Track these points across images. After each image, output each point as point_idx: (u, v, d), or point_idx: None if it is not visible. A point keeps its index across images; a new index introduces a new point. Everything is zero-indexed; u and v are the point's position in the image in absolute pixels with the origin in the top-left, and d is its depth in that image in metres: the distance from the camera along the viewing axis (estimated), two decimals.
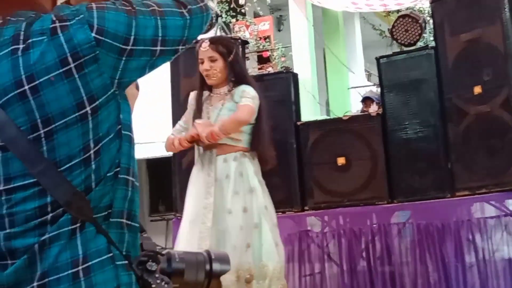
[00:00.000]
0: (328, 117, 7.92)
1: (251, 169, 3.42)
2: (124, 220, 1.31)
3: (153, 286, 1.25)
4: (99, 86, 1.25)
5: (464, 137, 4.09)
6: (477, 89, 4.03)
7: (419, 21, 4.33)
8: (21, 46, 1.25)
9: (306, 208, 4.53)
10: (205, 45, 3.47)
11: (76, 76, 1.24)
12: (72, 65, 1.23)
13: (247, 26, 8.89)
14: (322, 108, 10.62)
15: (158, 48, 1.31)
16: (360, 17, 12.34)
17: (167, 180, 12.68)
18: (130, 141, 1.33)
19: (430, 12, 4.38)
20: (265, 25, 9.65)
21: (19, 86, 1.23)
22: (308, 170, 4.54)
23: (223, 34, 5.51)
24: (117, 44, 1.26)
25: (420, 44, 4.46)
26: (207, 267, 1.36)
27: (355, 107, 10.58)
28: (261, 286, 3.26)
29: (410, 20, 4.31)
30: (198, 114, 3.48)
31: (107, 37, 1.26)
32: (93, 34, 1.25)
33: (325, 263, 4.45)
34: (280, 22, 12.05)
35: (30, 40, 1.25)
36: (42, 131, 1.23)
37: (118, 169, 1.29)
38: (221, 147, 3.41)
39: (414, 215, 4.23)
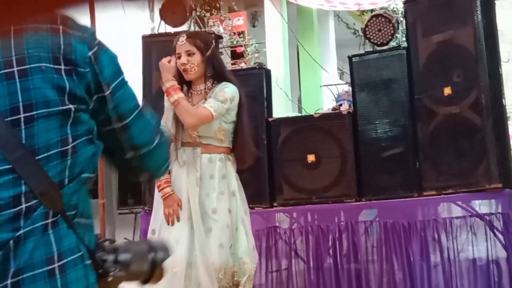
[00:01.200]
0: (300, 114, 7.92)
1: (233, 173, 3.40)
2: (83, 220, 1.30)
3: (111, 273, 1.25)
4: (83, 94, 1.28)
5: (433, 138, 4.13)
6: (447, 90, 4.06)
7: (392, 21, 4.35)
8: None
9: (275, 204, 4.54)
10: (182, 39, 3.42)
11: (64, 76, 1.25)
12: (62, 67, 1.25)
13: (222, 21, 8.85)
14: (294, 105, 10.64)
15: (119, 123, 1.36)
16: (334, 16, 12.37)
17: None
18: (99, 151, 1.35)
19: (403, 13, 4.40)
20: (240, 20, 9.62)
21: (8, 67, 1.22)
22: (278, 166, 4.55)
23: (197, 28, 5.49)
24: (100, 80, 1.31)
25: (392, 44, 4.47)
26: (151, 256, 1.37)
27: (327, 105, 10.61)
28: (238, 281, 3.27)
29: (383, 20, 4.33)
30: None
31: (98, 65, 1.30)
32: (90, 53, 1.27)
33: (292, 260, 4.46)
34: (255, 18, 12.02)
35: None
36: (22, 115, 1.22)
37: (90, 175, 1.30)
38: (206, 147, 3.35)
39: (381, 214, 4.26)
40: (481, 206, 4.00)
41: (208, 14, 8.48)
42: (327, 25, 12.08)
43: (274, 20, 9.55)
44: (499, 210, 3.94)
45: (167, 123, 3.44)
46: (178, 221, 3.30)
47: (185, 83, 3.46)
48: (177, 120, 3.38)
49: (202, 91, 3.42)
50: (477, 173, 3.98)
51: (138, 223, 13.40)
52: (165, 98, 3.48)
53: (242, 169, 3.55)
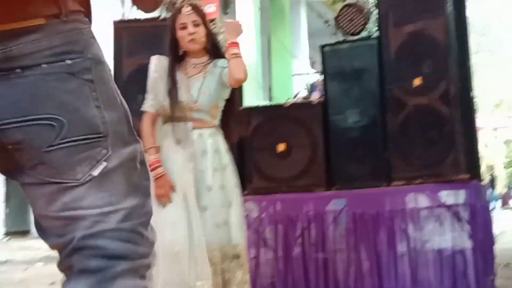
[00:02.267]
0: (271, 103, 7.93)
1: (225, 146, 3.37)
2: None
3: None
4: None
5: (403, 128, 4.15)
6: (417, 81, 4.08)
7: (364, 11, 4.36)
8: None
9: (245, 192, 4.52)
10: (188, 8, 3.36)
11: None
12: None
13: None
14: (265, 94, 10.63)
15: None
16: (306, 4, 12.39)
17: None
18: None
19: (376, 3, 4.41)
20: (212, 7, 9.55)
21: None
22: (248, 155, 4.54)
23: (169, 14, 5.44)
24: None
25: (364, 34, 4.48)
26: None
27: (300, 94, 10.64)
28: (235, 265, 3.24)
29: (355, 10, 4.34)
30: (172, 83, 3.32)
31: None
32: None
33: (260, 249, 4.46)
34: (227, 5, 11.97)
35: None
36: None
37: None
38: (197, 121, 3.30)
39: (350, 203, 4.27)
40: (448, 196, 4.03)
41: (179, 1, 8.44)
42: (299, 14, 12.09)
43: (246, 8, 9.52)
44: (466, 201, 3.97)
45: (157, 95, 3.38)
46: (170, 202, 3.24)
47: (179, 56, 3.41)
48: (170, 92, 3.33)
49: (199, 65, 3.38)
50: (445, 164, 4.01)
51: None
52: (153, 68, 3.42)
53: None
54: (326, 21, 12.54)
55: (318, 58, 13.33)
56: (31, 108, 1.23)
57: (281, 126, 4.50)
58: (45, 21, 1.24)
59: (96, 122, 1.27)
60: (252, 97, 7.76)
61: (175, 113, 3.31)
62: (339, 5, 8.39)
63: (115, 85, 1.36)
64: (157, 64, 3.43)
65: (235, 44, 3.25)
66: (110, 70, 1.37)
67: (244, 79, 3.27)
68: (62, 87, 1.24)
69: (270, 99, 10.41)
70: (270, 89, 11.05)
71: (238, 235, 3.29)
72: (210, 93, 3.33)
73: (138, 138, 1.38)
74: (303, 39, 12.15)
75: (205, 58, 3.40)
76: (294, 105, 4.58)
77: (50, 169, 1.26)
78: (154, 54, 4.02)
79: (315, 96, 4.77)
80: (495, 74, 24.72)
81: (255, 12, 9.65)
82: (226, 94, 3.41)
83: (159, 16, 5.06)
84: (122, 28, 4.75)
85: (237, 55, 3.22)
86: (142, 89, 3.53)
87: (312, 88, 5.14)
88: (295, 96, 5.98)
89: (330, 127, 4.38)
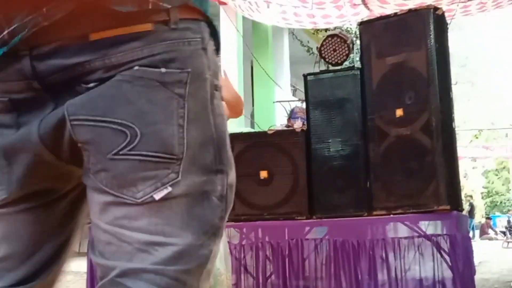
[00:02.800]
0: (253, 130, 7.95)
1: None
2: None
3: None
4: None
5: (384, 158, 4.18)
6: (399, 112, 4.12)
7: (347, 42, 4.41)
8: None
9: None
10: None
11: None
12: None
13: None
14: (247, 120, 10.66)
15: None
16: (289, 33, 12.49)
17: None
18: None
19: (358, 34, 4.46)
20: None
21: None
22: None
23: None
24: None
25: (346, 64, 4.53)
26: None
27: (279, 121, 10.68)
28: None
29: (338, 40, 4.39)
30: None
31: None
32: None
33: (241, 275, 4.45)
34: None
35: None
36: None
37: None
38: None
39: (331, 232, 4.29)
40: (429, 226, 4.06)
41: None
42: (281, 42, 12.20)
43: (229, 34, 9.59)
44: (446, 232, 4.00)
45: None
46: None
47: None
48: None
49: None
50: (426, 195, 4.04)
51: (86, 233, 13.27)
52: None
53: None
54: (309, 49, 12.67)
55: (300, 86, 13.42)
56: (108, 109, 1.13)
57: (264, 153, 4.52)
58: (152, 27, 1.15)
59: (172, 141, 1.15)
60: (234, 124, 7.78)
61: None
62: (322, 34, 8.46)
63: (218, 107, 1.24)
64: None
65: None
66: (217, 89, 1.24)
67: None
68: (147, 96, 1.14)
69: (252, 126, 10.43)
70: (251, 116, 11.09)
71: (220, 266, 3.28)
72: None
73: (228, 169, 1.24)
74: (285, 66, 12.25)
75: None
76: (277, 133, 4.60)
77: (111, 179, 1.15)
78: None
79: (298, 124, 4.80)
80: (474, 105, 25.03)
81: (238, 38, 9.73)
82: None
83: None
84: None
85: None
86: None
87: (291, 114, 5.16)
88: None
89: (312, 155, 4.41)
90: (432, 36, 4.08)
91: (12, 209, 1.26)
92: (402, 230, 4.12)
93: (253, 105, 11.57)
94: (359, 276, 4.16)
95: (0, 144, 1.21)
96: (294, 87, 13.20)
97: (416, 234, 4.10)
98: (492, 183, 30.54)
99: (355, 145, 4.31)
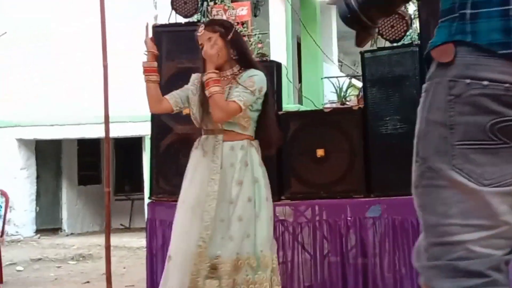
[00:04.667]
0: (302, 107, 7.93)
1: (257, 159, 3.38)
2: None
3: None
4: None
5: None
6: None
7: (406, 18, 4.35)
8: None
9: (282, 198, 4.54)
10: (201, 29, 3.43)
11: None
12: None
13: (225, 10, 8.82)
14: (295, 96, 10.65)
15: None
16: (336, 8, 12.39)
17: (134, 160, 12.72)
18: None
19: (417, 10, 4.40)
20: (243, 10, 9.60)
21: None
22: (286, 160, 4.55)
23: (206, 19, 5.48)
24: None
25: (405, 41, 4.47)
26: None
27: (327, 97, 10.64)
28: (261, 276, 3.25)
29: (396, 16, 4.32)
30: (203, 96, 3.38)
31: None
32: None
33: (298, 253, 4.48)
34: (257, 8, 12.02)
35: None
36: None
37: None
38: (228, 134, 3.36)
39: (389, 210, 4.27)
40: None
41: (211, 3, 8.47)
42: (329, 17, 12.10)
43: (278, 10, 9.55)
44: None
45: (192, 107, 3.46)
46: None
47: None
48: (202, 105, 3.39)
49: (229, 77, 3.43)
50: None
51: (135, 209, 13.45)
52: (190, 82, 3.51)
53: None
54: None
55: (347, 61, 13.32)
56: None
57: (320, 131, 4.50)
58: None
59: None
60: (283, 100, 7.78)
61: (207, 126, 3.39)
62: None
63: None
64: (194, 79, 3.54)
65: (209, 82, 3.26)
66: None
67: (225, 117, 3.29)
68: None
69: (301, 101, 10.40)
70: (300, 91, 11.07)
71: (265, 248, 3.30)
72: None
73: None
74: (334, 42, 12.16)
75: (232, 69, 3.44)
76: (334, 111, 4.58)
77: None
78: (193, 59, 4.10)
79: (353, 102, 4.77)
80: None
81: (287, 15, 9.68)
82: (255, 105, 3.40)
83: (198, 20, 5.11)
84: (161, 32, 4.79)
85: (209, 95, 3.25)
86: None
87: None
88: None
89: (370, 133, 4.38)
90: None
91: None
92: None
93: (300, 81, 11.53)
94: None
95: None
96: (341, 62, 13.11)
97: None
98: None
99: (414, 123, 4.20)
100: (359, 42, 1.80)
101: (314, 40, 8.47)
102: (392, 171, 4.28)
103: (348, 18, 1.69)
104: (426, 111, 1.47)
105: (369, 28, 1.73)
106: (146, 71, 3.45)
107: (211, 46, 3.32)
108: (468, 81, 1.36)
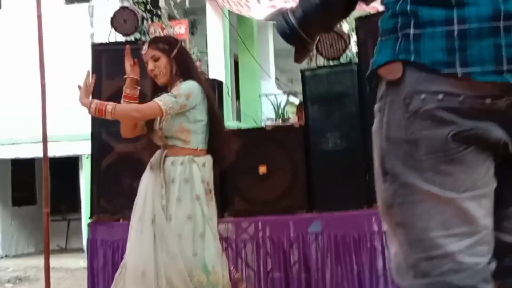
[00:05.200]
0: (247, 125, 7.97)
1: (198, 176, 3.33)
2: None
3: None
4: None
5: None
6: None
7: (344, 37, 4.45)
8: None
9: (225, 214, 4.55)
10: (145, 47, 3.44)
11: None
12: None
13: (163, 29, 8.84)
14: (233, 114, 10.69)
15: None
16: (273, 26, 12.52)
17: (70, 180, 12.49)
18: None
19: (355, 29, 4.51)
20: (181, 28, 9.63)
21: None
22: (229, 177, 4.57)
23: (145, 37, 5.47)
24: None
25: (343, 60, 4.57)
26: None
27: (265, 114, 10.73)
28: None
29: (335, 35, 4.42)
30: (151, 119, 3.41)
31: None
32: None
33: (242, 270, 4.49)
34: (194, 26, 12.05)
35: None
36: None
37: None
38: (171, 148, 3.35)
39: (331, 225, 4.34)
40: None
41: (150, 21, 8.46)
42: (266, 36, 12.22)
43: (215, 28, 9.61)
44: None
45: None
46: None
47: (160, 89, 3.45)
48: (148, 122, 3.39)
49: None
50: None
51: (72, 230, 13.17)
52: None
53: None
54: None
55: (283, 79, 13.45)
56: None
57: (262, 149, 4.55)
58: None
59: None
60: (224, 118, 7.81)
61: (155, 142, 3.40)
62: None
63: None
64: None
65: (100, 108, 3.26)
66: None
67: (141, 115, 3.35)
68: None
69: (239, 118, 10.46)
70: (237, 110, 11.12)
71: (215, 265, 3.30)
72: (172, 119, 3.35)
73: None
74: (271, 59, 12.28)
75: (174, 85, 3.42)
76: (276, 128, 4.63)
77: None
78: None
79: (293, 120, 4.84)
80: None
81: (225, 32, 9.74)
82: (192, 116, 3.37)
83: (137, 39, 5.09)
84: (101, 50, 4.77)
85: (113, 111, 3.25)
86: None
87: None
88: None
89: (311, 150, 4.45)
90: None
91: None
92: None
93: (238, 99, 11.59)
94: (359, 269, 4.22)
95: None
96: (278, 79, 13.24)
97: None
98: None
99: (354, 139, 4.36)
100: (298, 58, 1.82)
101: (253, 57, 8.56)
102: (333, 186, 4.36)
103: (287, 34, 1.71)
104: (385, 130, 1.46)
105: (308, 44, 1.76)
106: (127, 97, 3.40)
107: (154, 65, 3.35)
108: (422, 96, 1.38)
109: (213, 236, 3.34)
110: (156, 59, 3.39)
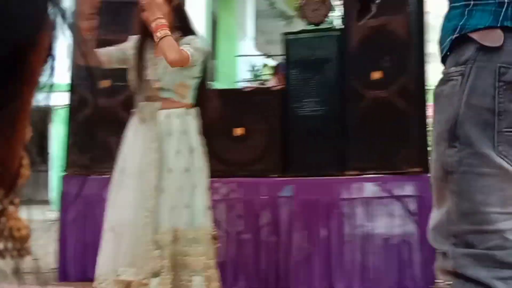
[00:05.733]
0: (223, 86, 7.92)
1: (194, 127, 3.34)
2: None
3: None
4: None
5: (360, 120, 4.26)
6: (377, 75, 4.20)
7: (326, 2, 4.43)
8: None
9: None
10: None
11: None
12: None
13: None
14: (210, 74, 10.61)
15: None
16: None
17: (39, 132, 12.42)
18: None
19: None
20: None
21: None
22: (205, 137, 4.54)
23: None
24: None
25: (326, 25, 4.56)
26: None
27: (242, 75, 10.69)
28: (196, 249, 3.24)
29: (319, 0, 4.40)
30: (140, 62, 3.32)
31: None
32: None
33: None
34: None
35: None
36: None
37: None
38: (165, 101, 3.29)
39: (303, 190, 4.36)
40: (399, 188, 4.17)
41: None
42: None
43: None
44: (416, 193, 4.13)
45: (130, 73, 3.38)
46: None
47: (149, 35, 3.35)
48: (139, 71, 3.32)
49: None
50: (398, 157, 4.15)
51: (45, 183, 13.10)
52: (129, 43, 3.40)
53: None
54: (271, 4, 12.62)
55: (261, 40, 13.32)
56: None
57: (239, 110, 4.53)
58: None
59: None
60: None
61: (143, 92, 3.33)
62: None
63: None
64: (130, 44, 3.44)
65: (158, 27, 3.17)
66: None
67: (179, 59, 3.18)
68: None
69: (215, 80, 10.39)
70: (215, 69, 11.05)
71: (202, 220, 3.31)
72: (174, 72, 3.30)
73: None
74: (249, 20, 12.18)
75: (174, 36, 3.36)
76: (253, 91, 4.62)
77: None
78: (118, 31, 4.02)
79: (272, 83, 4.83)
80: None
81: None
82: (193, 72, 3.35)
83: None
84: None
85: (162, 38, 3.16)
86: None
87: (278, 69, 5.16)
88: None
89: (289, 114, 4.45)
90: (413, 0, 4.13)
91: None
92: (373, 191, 4.23)
93: (215, 59, 11.49)
94: (329, 234, 4.26)
95: None
96: (256, 41, 13.16)
97: (385, 194, 4.21)
98: None
99: (332, 105, 4.36)
100: (361, 16, 1.82)
101: (225, 19, 8.46)
102: (309, 152, 4.38)
103: None
104: (466, 95, 1.40)
105: (372, 2, 1.76)
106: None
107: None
108: None
109: (206, 188, 3.35)
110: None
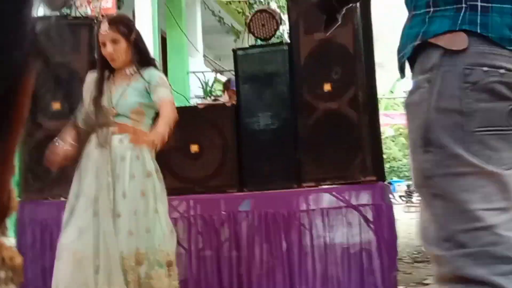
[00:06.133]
0: (184, 105, 7.92)
1: (148, 153, 3.37)
2: None
3: None
4: None
5: (313, 131, 4.32)
6: (327, 87, 4.27)
7: (276, 17, 4.49)
8: None
9: None
10: (105, 27, 3.36)
11: None
12: None
13: (89, 3, 8.63)
14: None
15: None
16: (201, 1, 12.42)
17: None
18: None
19: (287, 10, 4.54)
20: (108, 2, 9.43)
21: None
22: (160, 155, 4.55)
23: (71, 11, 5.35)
24: None
25: (274, 40, 4.61)
26: None
27: (193, 92, 10.69)
28: (158, 272, 3.23)
29: (267, 15, 4.45)
30: (99, 96, 3.36)
31: None
32: None
33: None
34: (121, 0, 11.82)
35: None
36: None
37: None
38: (120, 127, 3.33)
39: (261, 204, 4.39)
40: (356, 197, 4.24)
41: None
42: (194, 11, 12.10)
43: (143, 3, 9.45)
44: (372, 202, 4.20)
45: (85, 102, 3.40)
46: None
47: (107, 67, 3.41)
48: (96, 102, 3.35)
49: (125, 75, 3.40)
50: (353, 166, 4.21)
51: None
52: (85, 84, 3.45)
53: None
54: (220, 19, 12.67)
55: (211, 56, 13.33)
56: None
57: (194, 127, 4.55)
58: None
59: None
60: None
61: (99, 119, 3.35)
62: (234, 5, 8.37)
63: None
64: (88, 79, 3.51)
65: (161, 139, 3.24)
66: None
67: (175, 112, 3.38)
68: None
69: None
70: None
71: (164, 242, 3.32)
72: (130, 98, 3.36)
73: None
74: (198, 36, 12.19)
75: (131, 68, 3.42)
76: (207, 107, 4.64)
77: None
78: (65, 52, 4.03)
79: (225, 98, 4.86)
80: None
81: (153, 7, 9.61)
82: (148, 99, 3.42)
83: (67, 14, 4.99)
84: None
85: (162, 135, 3.23)
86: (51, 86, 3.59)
87: (229, 85, 5.20)
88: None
89: (242, 129, 4.49)
90: (358, 13, 4.22)
91: None
92: (331, 201, 4.29)
93: (165, 76, 11.47)
94: (289, 246, 4.30)
95: None
96: (206, 57, 13.18)
97: (343, 204, 4.27)
98: (390, 149, 31.48)
99: (284, 119, 4.41)
100: (327, 28, 1.85)
101: (183, 32, 8.50)
102: (264, 166, 4.42)
103: (320, 1, 1.75)
104: (434, 100, 1.43)
105: (337, 13, 1.79)
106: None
107: (114, 49, 3.33)
108: (485, 68, 1.38)
109: (166, 211, 3.37)
110: (115, 42, 3.35)
